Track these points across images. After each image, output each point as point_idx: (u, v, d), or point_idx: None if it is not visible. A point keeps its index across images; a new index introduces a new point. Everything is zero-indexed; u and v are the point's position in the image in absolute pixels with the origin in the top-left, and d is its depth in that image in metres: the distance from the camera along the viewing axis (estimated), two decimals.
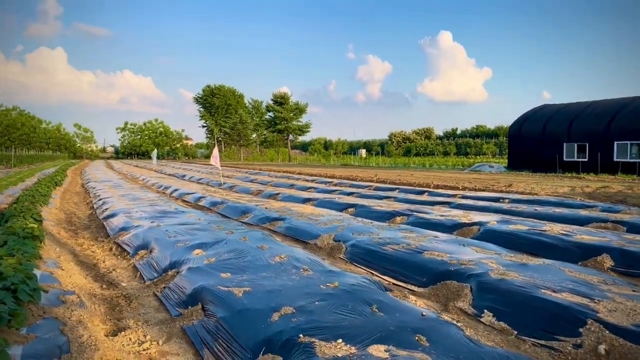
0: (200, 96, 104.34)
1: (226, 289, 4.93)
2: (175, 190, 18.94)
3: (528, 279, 5.05)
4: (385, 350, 3.52)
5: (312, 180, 25.89)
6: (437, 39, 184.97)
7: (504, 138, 79.90)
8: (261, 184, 23.90)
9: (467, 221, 9.21)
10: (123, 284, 6.16)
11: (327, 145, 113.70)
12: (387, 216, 10.68)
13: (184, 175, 31.20)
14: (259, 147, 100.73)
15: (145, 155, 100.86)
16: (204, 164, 59.21)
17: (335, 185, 22.62)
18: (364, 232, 7.97)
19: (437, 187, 20.75)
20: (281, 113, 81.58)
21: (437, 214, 10.63)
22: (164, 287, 5.75)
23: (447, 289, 5.38)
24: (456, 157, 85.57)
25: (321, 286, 4.91)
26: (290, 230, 8.94)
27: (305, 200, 14.61)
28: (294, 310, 4.22)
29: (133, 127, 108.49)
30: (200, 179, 27.65)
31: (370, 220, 9.66)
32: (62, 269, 5.92)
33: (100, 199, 15.07)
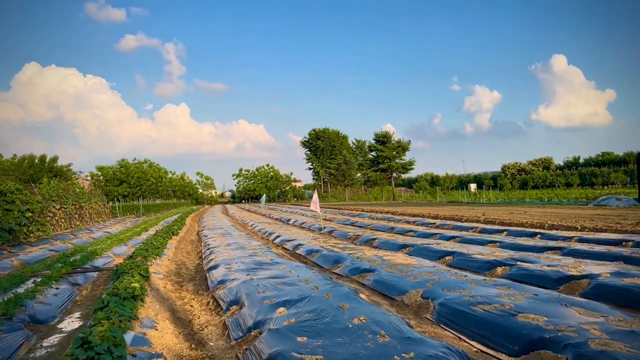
0: (306, 140, 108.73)
1: (299, 356, 4.89)
2: (278, 236, 19.60)
3: (635, 351, 4.35)
4: None
5: (414, 222, 25.25)
6: (549, 64, 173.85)
7: (634, 165, 71.83)
8: (360, 227, 23.85)
9: (576, 273, 8.27)
10: (211, 344, 6.40)
11: (434, 180, 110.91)
12: (486, 266, 9.99)
13: (288, 220, 32.27)
14: (363, 186, 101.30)
15: (258, 198, 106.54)
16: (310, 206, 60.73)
17: (437, 227, 21.82)
18: (455, 289, 7.50)
19: (552, 227, 19.07)
20: (383, 152, 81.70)
21: (544, 263, 9.71)
22: (246, 349, 5.87)
23: None
24: (580, 188, 78.29)
25: (395, 357, 4.67)
26: (378, 284, 8.72)
27: (401, 247, 14.24)
28: None
29: (247, 172, 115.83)
30: (303, 223, 28.37)
31: (465, 273, 9.09)
32: (156, 329, 6.33)
33: (209, 249, 16.08)
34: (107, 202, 42.94)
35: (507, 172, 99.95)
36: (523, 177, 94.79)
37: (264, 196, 45.97)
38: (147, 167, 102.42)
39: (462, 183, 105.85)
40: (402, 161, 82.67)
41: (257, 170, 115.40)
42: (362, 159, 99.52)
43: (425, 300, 7.29)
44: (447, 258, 11.67)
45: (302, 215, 37.49)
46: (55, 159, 71.58)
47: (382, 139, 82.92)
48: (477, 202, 57.15)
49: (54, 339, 6.90)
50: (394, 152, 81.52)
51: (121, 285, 7.29)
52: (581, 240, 13.69)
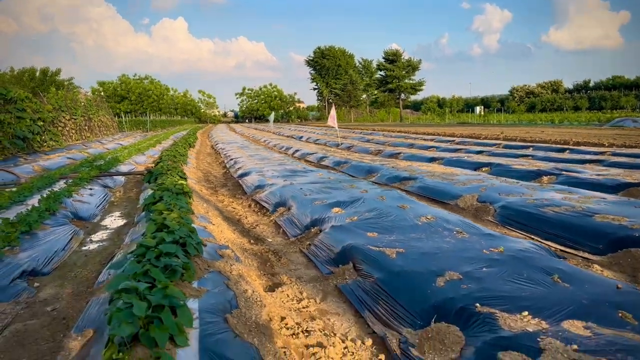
0: (311, 58, 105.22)
1: (377, 249, 4.67)
2: (297, 150, 19.27)
3: None
4: (585, 327, 3.00)
5: (431, 139, 24.83)
6: None
7: None
8: (378, 143, 23.45)
9: (632, 180, 7.97)
10: (269, 240, 6.22)
11: (440, 103, 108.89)
12: (530, 175, 9.69)
13: (301, 137, 31.83)
14: (369, 107, 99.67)
15: (262, 118, 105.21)
16: (317, 126, 60.03)
17: (458, 144, 21.42)
18: (512, 193, 7.23)
19: (578, 144, 18.64)
20: (393, 71, 79.42)
21: (591, 172, 9.42)
22: (309, 245, 5.69)
23: (632, 258, 4.59)
24: (589, 112, 76.74)
25: (484, 251, 4.43)
26: (425, 190, 8.46)
27: (431, 160, 13.92)
28: (461, 276, 3.82)
29: (250, 91, 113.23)
30: (317, 139, 27.95)
31: (514, 180, 8.80)
32: (213, 224, 6.12)
33: (231, 159, 15.80)
34: (114, 117, 42.27)
35: (515, 95, 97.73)
36: (531, 100, 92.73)
37: (272, 114, 45.22)
38: (147, 84, 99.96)
39: (468, 106, 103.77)
40: (411, 81, 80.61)
41: (260, 89, 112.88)
42: (368, 79, 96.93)
43: (483, 203, 7.04)
44: (484, 169, 11.36)
45: (313, 133, 36.97)
46: (57, 72, 69.64)
47: (392, 58, 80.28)
48: (488, 123, 56.33)
49: (101, 234, 6.73)
50: (404, 72, 79.25)
51: (168, 182, 7.01)
52: (616, 155, 13.33)
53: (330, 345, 3.27)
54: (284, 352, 3.04)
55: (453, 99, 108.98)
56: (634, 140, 18.48)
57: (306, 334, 3.41)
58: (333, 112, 21.65)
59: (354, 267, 4.62)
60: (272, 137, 31.87)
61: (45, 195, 7.62)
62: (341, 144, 22.83)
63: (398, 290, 3.83)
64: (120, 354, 2.37)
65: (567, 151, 15.80)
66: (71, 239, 6.15)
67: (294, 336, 3.36)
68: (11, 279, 4.46)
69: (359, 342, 3.36)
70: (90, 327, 3.23)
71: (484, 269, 3.99)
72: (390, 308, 3.70)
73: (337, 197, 7.29)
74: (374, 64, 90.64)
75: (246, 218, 7.57)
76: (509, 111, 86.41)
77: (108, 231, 6.91)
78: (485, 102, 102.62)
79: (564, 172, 9.53)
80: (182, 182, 7.18)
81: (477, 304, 3.31)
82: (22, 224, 5.88)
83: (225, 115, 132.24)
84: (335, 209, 6.62)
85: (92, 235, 6.65)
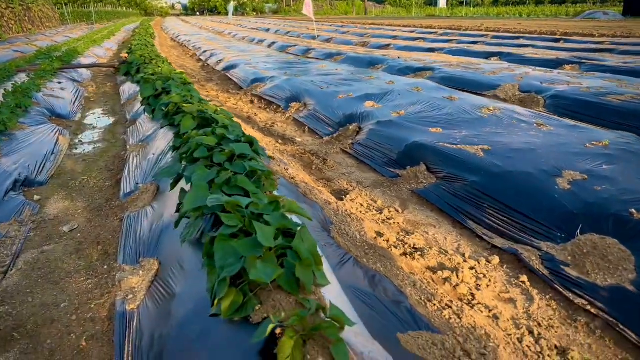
0: None
1: (454, 147, 3.92)
2: (273, 43, 17.63)
3: None
4: None
5: (411, 32, 23.42)
6: None
7: None
8: (357, 36, 21.89)
9: None
10: (298, 140, 5.35)
11: None
12: (551, 64, 8.96)
13: (268, 29, 29.49)
14: (330, 0, 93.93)
15: (214, 11, 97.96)
16: (279, 19, 56.28)
17: (443, 35, 20.23)
18: (555, 82, 6.51)
19: (567, 34, 17.92)
20: None
21: (613, 60, 8.78)
22: (352, 144, 4.87)
23: None
24: (552, 5, 75.56)
25: (587, 145, 3.76)
26: (451, 81, 7.60)
27: (430, 50, 12.90)
28: (585, 176, 3.15)
29: None
30: (288, 32, 25.90)
31: (542, 69, 8.06)
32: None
33: (205, 52, 14.19)
34: (54, 7, 37.58)
35: None
36: None
37: (232, 4, 41.45)
38: None
39: None
40: None
41: None
42: None
43: (527, 94, 6.31)
44: (493, 59, 10.53)
45: (279, 25, 34.41)
46: None
47: None
48: (456, 16, 54.34)
49: (91, 134, 5.64)
50: None
51: (164, 70, 5.83)
52: (616, 44, 12.72)
53: (456, 267, 2.60)
54: (419, 280, 2.34)
55: None
56: (622, 31, 17.91)
57: (419, 253, 2.72)
58: (308, 0, 19.68)
59: (428, 168, 3.88)
60: (237, 30, 29.33)
61: (10, 89, 6.31)
62: (318, 36, 21.16)
63: (509, 195, 3.14)
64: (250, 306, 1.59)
65: (562, 41, 15.08)
66: (57, 140, 5.06)
67: (408, 257, 2.66)
68: (4, 192, 3.48)
69: (482, 261, 2.71)
70: (149, 256, 2.39)
71: (604, 166, 3.33)
72: (506, 217, 3.03)
73: (364, 90, 6.36)
74: None
75: (256, 115, 6.58)
76: (472, 4, 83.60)
77: (98, 131, 5.80)
78: None
79: (584, 61, 8.85)
80: (181, 70, 6.01)
81: (633, 210, 2.68)
82: None
83: (173, 7, 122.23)
84: (369, 103, 5.74)
85: (81, 136, 5.56)
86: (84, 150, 4.97)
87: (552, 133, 4.14)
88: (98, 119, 6.47)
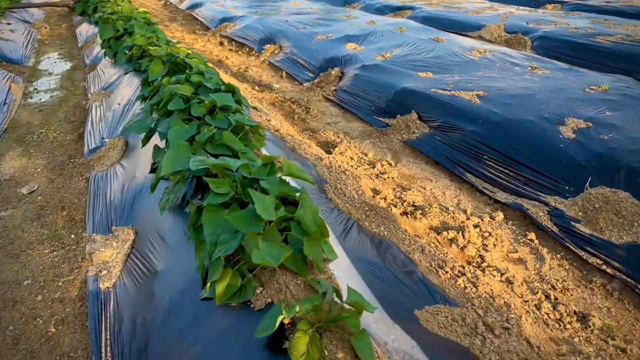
0: None
1: (448, 93, 3.66)
2: None
3: None
4: None
5: None
6: None
7: None
8: None
9: None
10: (275, 86, 4.98)
11: None
12: (533, 3, 8.63)
13: None
14: None
15: None
16: None
17: None
18: (541, 22, 6.24)
19: None
20: None
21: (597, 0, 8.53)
22: (335, 91, 4.55)
23: None
24: None
25: (586, 90, 3.57)
26: (433, 21, 7.21)
27: None
28: (590, 124, 2.97)
29: None
30: None
31: (529, 8, 7.75)
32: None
33: None
34: None
35: None
36: None
37: None
38: None
39: None
40: None
41: None
42: None
43: (513, 34, 6.04)
44: None
45: None
46: None
47: None
48: None
49: (47, 81, 5.11)
50: None
51: (125, 9, 5.26)
52: None
53: (460, 226, 2.42)
54: (425, 243, 2.14)
55: None
56: None
57: (420, 211, 2.51)
58: None
59: (420, 117, 3.64)
60: None
61: None
62: None
63: (511, 145, 2.94)
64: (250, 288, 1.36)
65: None
66: (10, 88, 4.54)
67: (409, 217, 2.46)
68: None
69: (486, 218, 2.54)
70: (122, 224, 2.11)
71: (608, 112, 3.16)
72: (508, 170, 2.84)
73: (344, 30, 5.94)
74: None
75: (228, 59, 6.10)
76: None
77: (55, 77, 5.26)
78: None
79: (565, 0, 8.57)
80: (142, 9, 5.44)
81: None
82: None
83: None
84: (350, 45, 5.36)
85: (36, 84, 5.02)
86: (41, 99, 4.48)
87: (548, 77, 3.92)
88: (54, 64, 5.88)
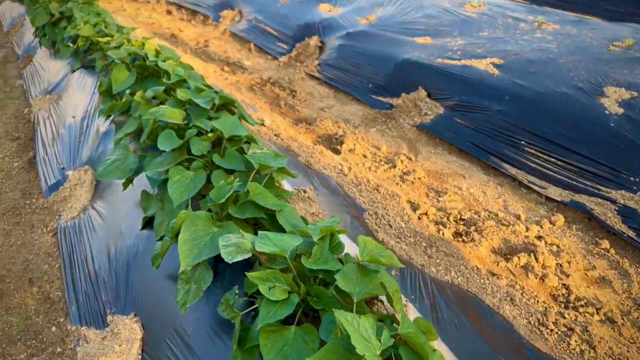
0: None
1: (458, 63, 3.20)
2: None
3: None
4: None
5: None
6: None
7: None
8: None
9: None
10: (246, 63, 4.35)
11: None
12: None
13: None
14: None
15: None
16: None
17: None
18: None
19: None
20: None
21: None
22: (319, 65, 4.00)
23: None
24: None
25: (610, 48, 3.20)
26: None
27: None
28: (634, 93, 2.61)
29: None
30: None
31: None
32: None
33: None
34: None
35: None
36: None
37: None
38: None
39: None
40: None
41: None
42: None
43: None
44: None
45: None
46: None
47: None
48: None
49: None
50: None
51: None
52: None
53: (525, 244, 2.04)
54: (505, 285, 1.76)
55: None
56: None
57: (474, 228, 2.11)
58: None
59: (429, 94, 3.18)
60: None
61: None
62: None
63: (550, 127, 2.55)
64: None
65: None
66: None
67: (467, 240, 2.05)
68: None
69: (545, 223, 2.17)
70: (120, 311, 1.60)
71: None
72: (555, 158, 2.47)
73: None
74: None
75: (182, 32, 5.35)
76: None
77: None
78: None
79: None
80: None
81: None
82: None
83: None
84: (324, 6, 4.75)
85: None
86: None
87: (561, 33, 3.51)
88: None
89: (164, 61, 2.25)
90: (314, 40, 4.27)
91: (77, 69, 3.26)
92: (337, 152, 2.80)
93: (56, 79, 3.45)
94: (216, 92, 2.05)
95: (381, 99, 3.36)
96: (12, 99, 3.79)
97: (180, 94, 1.87)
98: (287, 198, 1.56)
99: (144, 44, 2.57)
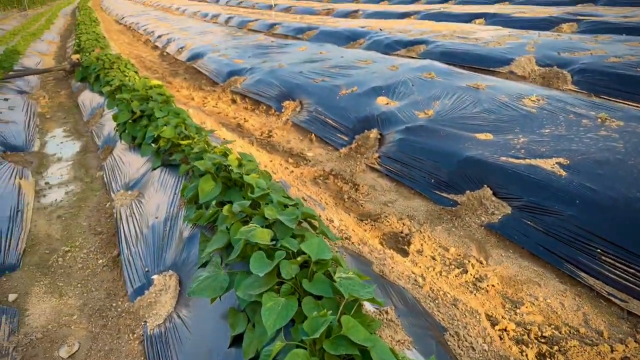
0: None
1: (522, 162, 3.24)
2: (230, 18, 16.30)
3: None
4: None
5: None
6: None
7: None
8: (315, 1, 20.65)
9: None
10: (308, 154, 4.55)
11: None
12: (546, 24, 8.33)
13: (217, 0, 27.61)
14: None
15: None
16: None
17: None
18: (572, 49, 5.89)
19: None
20: None
21: (610, 15, 8.24)
22: (379, 157, 4.13)
23: None
24: None
25: None
26: (454, 57, 6.87)
27: (404, 15, 12.05)
28: None
29: None
30: (241, 2, 24.31)
31: (546, 32, 7.42)
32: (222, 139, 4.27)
33: (160, 36, 12.85)
34: None
35: None
36: None
37: None
38: None
39: None
40: None
41: None
42: None
43: (548, 67, 5.67)
44: (477, 21, 9.84)
45: None
46: None
47: None
48: None
49: (58, 171, 4.66)
50: None
51: (138, 85, 4.83)
52: None
53: None
54: None
55: None
56: None
57: (557, 349, 2.05)
58: None
59: (495, 193, 3.20)
60: (182, 3, 27.27)
61: None
62: (275, 5, 19.82)
63: (627, 237, 2.50)
64: None
65: None
66: (20, 188, 4.07)
67: None
68: None
69: (630, 343, 2.08)
70: None
71: None
72: (636, 270, 2.39)
73: (367, 81, 5.56)
74: None
75: (246, 121, 5.69)
76: None
77: (65, 164, 4.81)
78: None
79: (580, 17, 8.27)
80: (156, 82, 5.02)
81: None
82: None
83: None
84: (382, 99, 4.97)
85: (46, 175, 4.57)
86: (56, 199, 4.02)
87: (627, 131, 3.50)
88: (61, 145, 5.44)
89: (247, 174, 2.41)
90: (373, 133, 4.44)
91: (158, 167, 3.52)
92: (405, 252, 2.83)
93: (137, 174, 3.72)
94: (296, 205, 2.17)
95: (445, 195, 3.41)
96: (94, 190, 4.10)
97: (268, 212, 1.99)
98: (376, 329, 1.60)
99: (226, 154, 2.76)
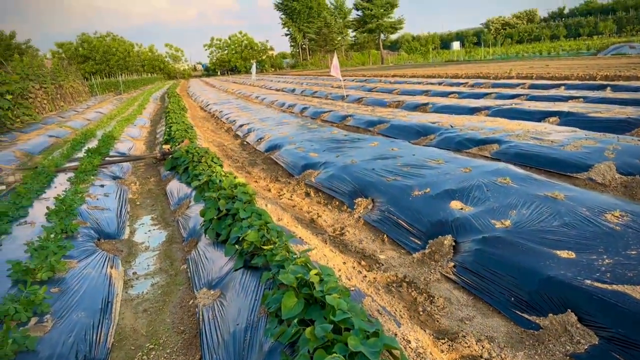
0: (280, 2, 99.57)
1: (609, 287, 3.10)
2: (305, 108, 17.32)
3: None
4: None
5: (440, 84, 23.02)
6: None
7: (623, 13, 68.73)
8: (386, 92, 21.55)
9: None
10: (381, 257, 4.60)
11: (415, 41, 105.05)
12: (624, 126, 8.15)
13: (293, 90, 29.51)
14: (346, 51, 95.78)
15: (234, 70, 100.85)
16: (297, 74, 57.37)
17: (475, 87, 19.72)
18: None
19: (606, 78, 17.16)
20: (371, 10, 75.56)
21: None
22: (454, 267, 4.09)
23: None
24: (567, 40, 74.92)
25: None
26: (528, 159, 6.85)
27: (474, 111, 12.27)
28: None
29: (219, 42, 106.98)
30: (315, 92, 25.82)
31: (624, 136, 7.26)
32: (306, 242, 4.44)
33: (242, 125, 13.85)
34: (84, 80, 38.80)
35: (491, 27, 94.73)
36: (508, 32, 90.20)
37: (254, 65, 41.89)
38: (110, 41, 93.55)
39: (443, 42, 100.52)
40: (390, 19, 77.04)
41: (229, 38, 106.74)
42: (342, 21, 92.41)
43: (630, 176, 5.51)
44: (551, 119, 9.80)
45: (301, 84, 34.62)
46: (13, 35, 62.81)
47: None
48: (474, 60, 54.33)
49: (145, 261, 4.99)
50: (382, 10, 75.43)
51: (225, 183, 5.21)
52: None
53: None
54: None
55: (428, 35, 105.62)
56: None
57: None
58: (335, 61, 19.29)
59: (580, 319, 3.06)
60: (261, 92, 29.43)
61: (53, 208, 5.79)
62: (346, 96, 20.85)
63: None
64: None
65: (608, 88, 14.38)
66: (110, 278, 4.41)
67: None
68: None
69: None
70: None
71: None
72: None
73: (440, 183, 5.64)
74: (348, 4, 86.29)
75: (320, 217, 5.89)
76: (486, 44, 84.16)
77: (151, 254, 5.17)
78: (460, 37, 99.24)
79: None
80: (241, 180, 5.40)
81: None
82: (42, 268, 4.13)
83: (195, 69, 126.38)
84: (455, 204, 5.00)
85: (134, 265, 4.92)
86: (142, 291, 4.30)
87: None
88: (149, 233, 5.87)
89: (329, 293, 2.51)
90: (447, 240, 4.44)
91: (239, 268, 3.72)
92: None
93: (219, 273, 3.94)
94: (377, 334, 2.21)
95: (526, 316, 3.30)
96: (177, 285, 4.35)
97: (351, 342, 2.05)
98: None
99: (307, 265, 2.89)
